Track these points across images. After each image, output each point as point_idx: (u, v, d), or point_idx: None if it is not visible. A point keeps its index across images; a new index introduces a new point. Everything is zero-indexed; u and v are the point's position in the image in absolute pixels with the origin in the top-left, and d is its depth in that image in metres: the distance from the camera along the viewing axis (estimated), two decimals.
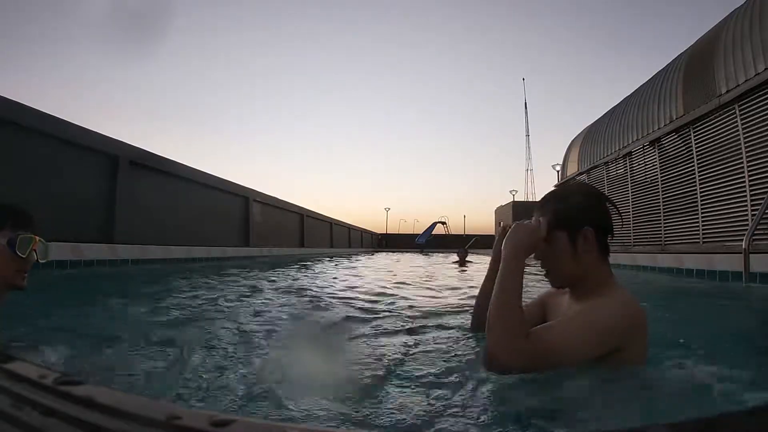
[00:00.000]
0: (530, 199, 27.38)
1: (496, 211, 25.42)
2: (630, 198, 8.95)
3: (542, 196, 1.24)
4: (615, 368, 0.99)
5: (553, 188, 1.18)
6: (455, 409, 0.91)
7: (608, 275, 1.12)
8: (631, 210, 8.88)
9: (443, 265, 9.28)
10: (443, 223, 36.31)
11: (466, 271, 7.14)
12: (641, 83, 9.34)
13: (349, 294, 3.23)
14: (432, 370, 1.17)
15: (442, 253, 21.75)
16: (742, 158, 5.59)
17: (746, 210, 5.48)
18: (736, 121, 5.70)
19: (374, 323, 1.94)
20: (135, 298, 2.59)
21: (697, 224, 6.56)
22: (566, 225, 1.11)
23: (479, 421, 0.87)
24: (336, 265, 7.83)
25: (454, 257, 10.48)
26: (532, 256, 1.13)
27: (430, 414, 0.90)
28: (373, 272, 6.33)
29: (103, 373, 1.18)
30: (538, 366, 0.96)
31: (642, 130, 8.47)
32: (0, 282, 1.19)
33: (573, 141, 13.47)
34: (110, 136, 4.96)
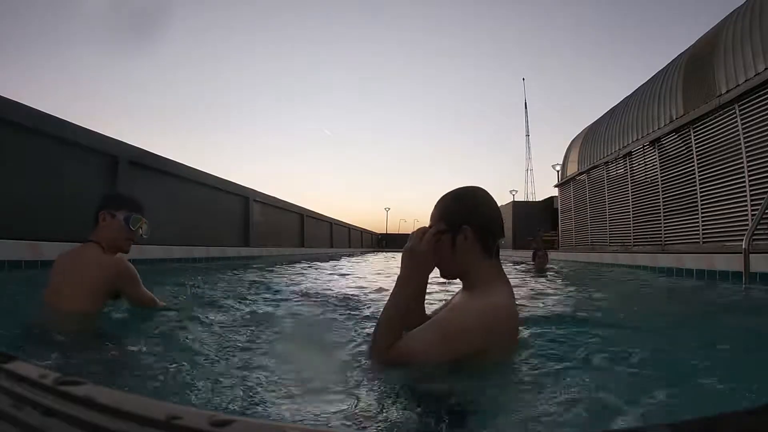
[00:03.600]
0: (530, 199, 27.37)
1: None
2: (630, 198, 8.95)
3: (442, 195, 1.31)
4: (479, 368, 1.07)
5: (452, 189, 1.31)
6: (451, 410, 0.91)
7: (491, 273, 1.20)
8: (631, 210, 8.89)
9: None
10: None
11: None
12: (641, 83, 9.35)
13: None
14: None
15: None
16: (742, 158, 5.59)
17: (746, 210, 5.48)
18: (736, 121, 5.70)
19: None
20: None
21: (697, 224, 6.56)
22: (450, 224, 1.20)
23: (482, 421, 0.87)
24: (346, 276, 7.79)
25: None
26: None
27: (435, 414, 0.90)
28: None
29: (103, 373, 1.18)
30: (402, 367, 1.09)
31: (642, 130, 8.47)
32: (114, 245, 1.82)
33: (573, 141, 13.47)
34: (110, 136, 4.96)
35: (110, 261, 1.79)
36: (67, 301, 1.68)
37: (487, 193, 1.29)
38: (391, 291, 1.23)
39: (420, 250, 1.18)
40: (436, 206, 1.28)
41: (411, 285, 1.21)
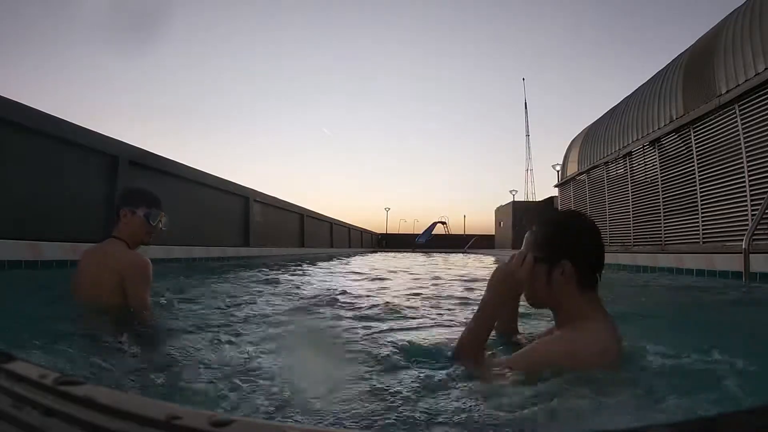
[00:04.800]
0: (530, 199, 27.36)
1: (496, 211, 25.40)
2: (630, 198, 8.95)
3: (539, 216, 1.22)
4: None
5: (551, 211, 1.21)
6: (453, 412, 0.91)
7: (587, 308, 1.10)
8: (631, 210, 8.89)
9: None
10: (443, 222, 36.25)
11: None
12: (641, 83, 9.35)
13: None
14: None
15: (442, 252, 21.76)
16: (742, 158, 5.59)
17: (746, 210, 5.47)
18: (736, 121, 5.70)
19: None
20: None
21: (697, 224, 6.56)
22: (547, 254, 1.12)
23: (480, 421, 0.87)
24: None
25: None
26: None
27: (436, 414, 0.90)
28: None
29: (103, 373, 1.18)
30: None
31: (642, 130, 8.46)
32: (136, 240, 1.92)
33: (573, 141, 13.47)
34: (110, 135, 4.96)
35: (127, 255, 1.86)
36: (87, 293, 1.80)
37: (591, 223, 1.19)
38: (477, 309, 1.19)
39: (518, 276, 1.14)
40: (534, 230, 1.18)
41: (500, 308, 1.20)
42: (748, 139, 5.51)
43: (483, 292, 1.23)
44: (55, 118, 4.18)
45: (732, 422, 0.28)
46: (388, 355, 1.36)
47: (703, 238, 6.40)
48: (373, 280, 4.96)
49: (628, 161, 9.11)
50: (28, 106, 3.87)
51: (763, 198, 4.21)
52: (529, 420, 0.86)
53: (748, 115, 5.53)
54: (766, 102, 5.27)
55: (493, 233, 26.01)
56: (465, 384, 1.05)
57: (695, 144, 6.68)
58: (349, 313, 2.27)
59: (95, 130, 4.73)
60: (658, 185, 7.76)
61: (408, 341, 1.50)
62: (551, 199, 17.39)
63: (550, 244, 1.13)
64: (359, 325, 1.92)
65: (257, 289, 3.37)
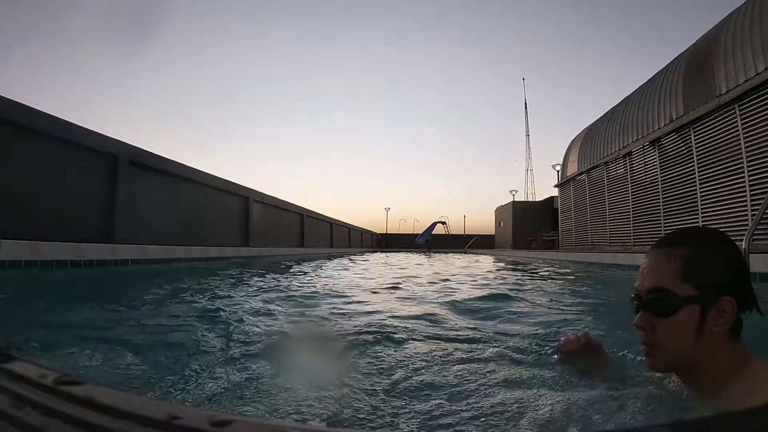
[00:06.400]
0: (530, 199, 27.32)
1: (496, 211, 25.38)
2: (630, 198, 8.95)
3: (671, 234, 0.87)
4: None
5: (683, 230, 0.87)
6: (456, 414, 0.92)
7: (743, 358, 0.79)
8: (631, 210, 8.89)
9: None
10: (443, 222, 36.27)
11: None
12: (641, 83, 9.36)
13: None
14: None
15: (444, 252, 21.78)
16: (742, 158, 5.59)
17: (746, 210, 5.48)
18: (736, 121, 5.71)
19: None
20: (134, 298, 2.59)
21: (697, 224, 6.57)
22: (703, 290, 0.77)
23: (486, 422, 0.87)
24: None
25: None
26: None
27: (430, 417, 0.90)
28: None
29: (103, 373, 1.18)
30: None
31: (642, 130, 8.47)
32: None
33: (573, 141, 13.48)
34: (110, 136, 4.97)
35: None
36: None
37: (726, 236, 0.85)
38: None
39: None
40: (671, 254, 0.80)
41: None
42: (748, 139, 5.51)
43: None
44: (56, 119, 4.18)
45: (732, 422, 0.28)
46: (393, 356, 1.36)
47: None
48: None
49: (628, 161, 9.12)
50: (28, 107, 3.88)
51: (763, 198, 4.22)
52: None
53: (748, 115, 5.54)
54: (766, 102, 5.28)
55: (493, 233, 26.02)
56: None
57: (695, 144, 6.68)
58: (351, 312, 2.27)
59: (96, 131, 4.75)
60: (658, 185, 7.77)
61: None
62: (551, 199, 17.41)
63: (705, 271, 0.77)
64: (361, 324, 1.91)
65: (256, 289, 3.37)
